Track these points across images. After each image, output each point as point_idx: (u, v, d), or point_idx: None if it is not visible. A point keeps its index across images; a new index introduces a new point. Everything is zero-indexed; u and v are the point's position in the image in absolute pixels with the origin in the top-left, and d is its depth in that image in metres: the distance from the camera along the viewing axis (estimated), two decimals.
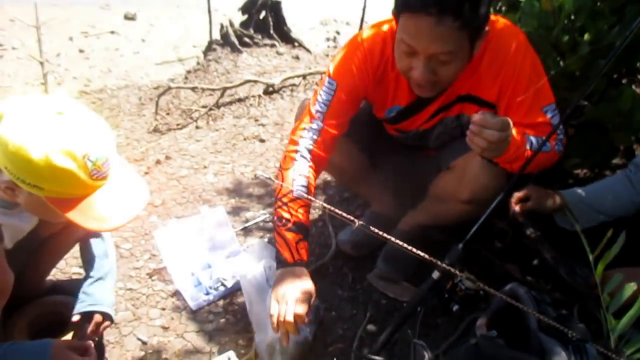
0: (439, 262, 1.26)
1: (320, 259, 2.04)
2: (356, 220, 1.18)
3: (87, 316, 1.49)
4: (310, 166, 1.57)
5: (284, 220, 1.50)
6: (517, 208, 1.60)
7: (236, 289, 1.91)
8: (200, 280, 1.91)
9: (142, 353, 1.68)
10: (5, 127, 1.10)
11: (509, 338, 1.31)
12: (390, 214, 2.00)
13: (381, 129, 1.87)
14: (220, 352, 1.69)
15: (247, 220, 2.28)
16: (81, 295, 1.53)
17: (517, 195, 1.62)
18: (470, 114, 1.41)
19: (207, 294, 1.87)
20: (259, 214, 2.32)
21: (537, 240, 1.66)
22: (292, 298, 1.39)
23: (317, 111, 1.58)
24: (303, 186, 1.52)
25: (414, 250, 1.14)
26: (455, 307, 1.71)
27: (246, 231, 2.21)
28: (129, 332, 1.75)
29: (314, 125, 1.58)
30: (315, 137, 1.58)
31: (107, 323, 1.53)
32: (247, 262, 1.72)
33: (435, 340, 1.73)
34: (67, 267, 1.96)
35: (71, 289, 1.82)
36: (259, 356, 1.64)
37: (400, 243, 1.13)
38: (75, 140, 1.12)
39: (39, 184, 1.11)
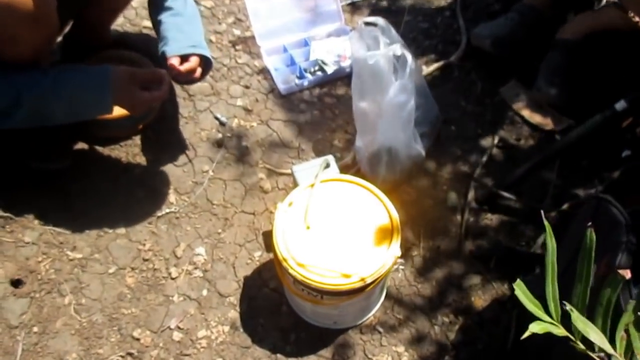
0: None
1: (443, 58, 1.59)
2: None
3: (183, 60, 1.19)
4: None
5: None
6: None
7: (338, 77, 1.53)
8: (294, 60, 1.53)
9: (219, 135, 1.41)
10: None
11: None
12: (546, 9, 1.49)
13: None
14: (309, 150, 1.40)
15: None
16: (175, 34, 1.20)
17: None
18: None
19: (302, 77, 1.50)
20: None
21: None
22: None
23: None
24: None
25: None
26: (626, 153, 1.29)
27: (354, 8, 1.74)
28: (205, 108, 1.45)
29: None
30: None
31: (207, 71, 1.26)
32: (358, 45, 1.30)
33: (575, 185, 1.36)
34: (137, 18, 1.61)
35: (141, 44, 1.50)
36: (359, 164, 1.33)
37: None
38: None
39: None
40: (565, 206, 1.29)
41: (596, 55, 1.43)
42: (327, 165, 1.10)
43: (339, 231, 0.99)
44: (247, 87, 1.51)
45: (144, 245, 1.23)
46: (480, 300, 1.20)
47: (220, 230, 1.26)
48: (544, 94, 1.47)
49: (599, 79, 1.42)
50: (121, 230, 1.24)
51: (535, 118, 1.47)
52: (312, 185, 1.04)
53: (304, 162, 1.17)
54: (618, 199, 0.88)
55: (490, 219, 1.31)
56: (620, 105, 1.14)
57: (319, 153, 1.39)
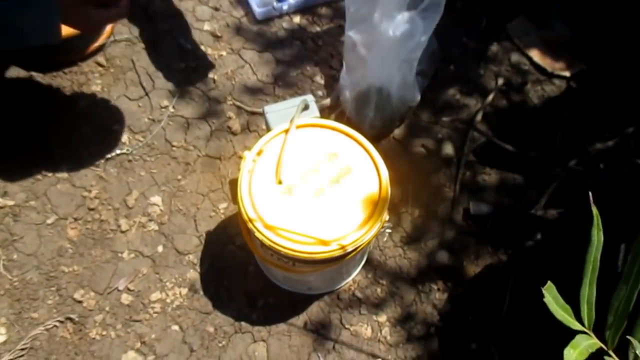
0: None
1: None
2: None
3: None
4: None
5: None
6: None
7: (322, 2, 1.32)
8: None
9: (182, 64, 1.20)
10: None
11: None
12: None
13: None
14: (286, 86, 1.21)
15: None
16: None
17: None
18: None
19: (281, 0, 1.28)
20: None
21: None
22: None
23: None
24: None
25: None
26: None
27: None
28: (165, 31, 1.24)
29: None
30: None
31: None
32: None
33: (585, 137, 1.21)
34: None
35: None
36: (343, 105, 1.15)
37: None
38: None
39: None
40: (572, 163, 1.14)
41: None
42: (306, 107, 0.92)
43: (317, 188, 0.82)
44: (216, 9, 1.29)
45: (90, 191, 1.05)
46: (473, 265, 1.07)
47: (179, 177, 1.09)
48: (558, 34, 1.29)
49: (621, 20, 1.24)
50: (62, 174, 1.06)
51: (546, 60, 1.30)
52: (287, 131, 0.87)
53: (279, 101, 0.98)
54: None
55: (489, 173, 1.16)
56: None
57: (297, 90, 1.20)
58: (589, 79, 1.26)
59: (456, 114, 1.22)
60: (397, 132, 1.18)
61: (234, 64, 1.22)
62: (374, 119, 1.12)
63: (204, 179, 1.09)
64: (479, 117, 1.20)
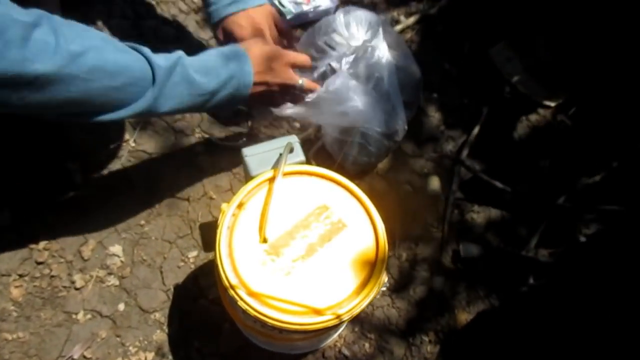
0: None
1: (424, 9, 1.32)
2: None
3: None
4: None
5: None
6: None
7: (299, 24, 1.22)
8: None
9: None
10: None
11: None
12: None
13: None
14: (263, 122, 1.10)
15: None
16: None
17: None
18: None
19: None
20: None
21: None
22: None
23: None
24: None
25: None
26: None
27: None
28: None
29: None
30: None
31: None
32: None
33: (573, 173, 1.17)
34: None
35: None
36: (324, 139, 1.06)
37: None
38: None
39: None
40: (561, 200, 1.09)
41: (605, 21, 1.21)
42: (291, 150, 0.82)
43: (307, 248, 0.73)
44: (181, 27, 1.17)
45: (37, 242, 0.92)
46: (465, 313, 1.00)
47: (143, 222, 0.97)
48: (541, 61, 1.24)
49: (608, 50, 1.21)
50: (4, 219, 0.92)
51: (529, 89, 1.25)
52: (272, 180, 0.77)
53: (255, 135, 0.88)
54: None
55: (477, 212, 1.10)
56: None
57: (272, 122, 1.10)
58: (574, 110, 1.22)
59: (441, 147, 1.15)
60: (381, 166, 1.10)
61: None
62: (358, 155, 1.03)
63: (170, 224, 0.97)
64: (465, 152, 1.13)
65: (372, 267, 0.73)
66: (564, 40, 1.25)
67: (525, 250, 1.06)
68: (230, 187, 1.03)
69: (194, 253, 0.96)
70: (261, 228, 0.73)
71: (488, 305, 1.01)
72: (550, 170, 1.15)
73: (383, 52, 1.02)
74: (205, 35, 1.17)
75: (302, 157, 0.83)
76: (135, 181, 0.99)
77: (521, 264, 1.04)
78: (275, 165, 0.80)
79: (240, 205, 0.75)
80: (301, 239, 0.74)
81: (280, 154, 0.81)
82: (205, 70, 0.75)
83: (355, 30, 1.04)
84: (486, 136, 1.17)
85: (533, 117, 1.22)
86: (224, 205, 0.75)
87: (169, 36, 1.14)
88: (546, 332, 0.98)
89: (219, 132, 1.07)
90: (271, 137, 1.08)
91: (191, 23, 1.18)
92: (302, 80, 0.87)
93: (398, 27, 1.26)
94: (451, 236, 1.06)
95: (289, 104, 0.89)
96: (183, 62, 0.73)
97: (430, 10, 1.31)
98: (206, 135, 1.06)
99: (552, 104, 1.24)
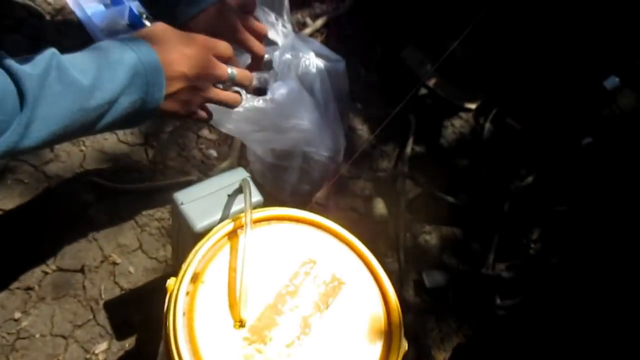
0: None
1: (331, 10, 1.18)
2: None
3: None
4: None
5: None
6: None
7: None
8: None
9: None
10: None
11: None
12: None
13: None
14: (168, 148, 0.86)
15: None
16: None
17: None
18: None
19: (136, 24, 0.92)
20: None
21: None
22: None
23: None
24: None
25: None
26: (587, 140, 1.08)
27: None
28: None
29: None
30: None
31: None
32: None
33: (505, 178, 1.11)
34: None
35: None
36: (250, 167, 0.85)
37: None
38: None
39: None
40: (505, 207, 1.03)
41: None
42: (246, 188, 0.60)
43: (300, 323, 0.52)
44: (36, 38, 0.87)
45: None
46: (440, 352, 0.86)
47: (17, 315, 0.66)
48: (453, 61, 1.18)
49: (522, 46, 1.19)
50: None
51: (448, 92, 1.17)
52: (233, 235, 0.55)
53: (174, 180, 0.64)
54: None
55: (429, 231, 0.98)
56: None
57: (180, 152, 0.86)
58: (494, 111, 1.17)
59: (377, 163, 1.01)
60: (318, 194, 0.93)
61: None
62: (298, 183, 0.84)
63: (60, 310, 0.68)
64: (404, 167, 1.01)
65: (386, 337, 0.54)
66: (476, 41, 1.20)
67: (485, 267, 0.96)
68: (140, 245, 0.76)
69: (103, 346, 0.68)
70: (233, 307, 0.51)
71: (462, 337, 0.89)
72: (485, 178, 1.08)
73: (309, 55, 0.85)
74: None
75: (260, 197, 0.62)
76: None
77: (484, 284, 0.94)
78: (228, 213, 0.58)
79: (195, 278, 0.52)
80: (290, 312, 0.53)
81: (229, 196, 0.60)
82: (96, 67, 0.49)
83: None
84: (417, 147, 1.06)
85: (457, 122, 1.15)
86: (170, 281, 0.51)
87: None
88: (524, 353, 0.90)
89: (110, 171, 0.80)
90: (181, 172, 0.84)
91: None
92: (232, 70, 0.60)
93: (307, 31, 1.10)
94: (409, 265, 0.92)
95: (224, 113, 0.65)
96: (59, 61, 0.46)
97: (335, 12, 1.17)
98: (94, 178, 0.78)
99: (473, 107, 1.18)
